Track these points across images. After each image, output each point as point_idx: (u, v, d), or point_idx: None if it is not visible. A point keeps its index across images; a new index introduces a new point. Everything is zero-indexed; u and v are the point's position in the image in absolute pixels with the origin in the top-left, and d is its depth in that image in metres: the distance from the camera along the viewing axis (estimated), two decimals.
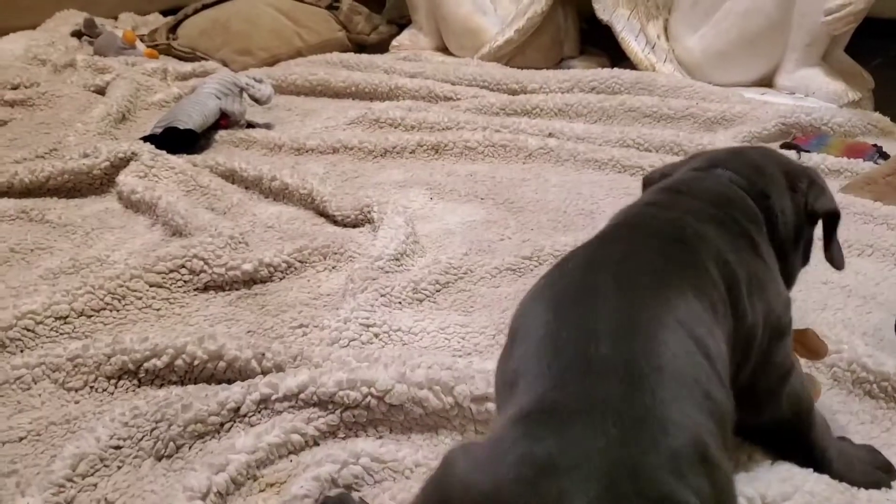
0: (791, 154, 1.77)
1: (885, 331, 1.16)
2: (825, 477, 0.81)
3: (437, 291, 1.29)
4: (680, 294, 0.70)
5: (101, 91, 2.28)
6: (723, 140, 1.85)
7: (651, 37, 2.37)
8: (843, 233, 1.44)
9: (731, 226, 0.82)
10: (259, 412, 0.95)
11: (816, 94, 2.16)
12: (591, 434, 0.57)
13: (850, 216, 1.53)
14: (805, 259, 0.94)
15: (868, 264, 1.37)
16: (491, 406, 0.94)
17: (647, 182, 0.97)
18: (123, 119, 2.08)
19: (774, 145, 1.86)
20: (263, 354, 1.03)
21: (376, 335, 1.17)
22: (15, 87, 2.27)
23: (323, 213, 1.55)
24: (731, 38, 2.25)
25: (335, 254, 1.37)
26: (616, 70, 2.28)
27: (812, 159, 1.75)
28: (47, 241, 1.45)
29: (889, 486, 0.85)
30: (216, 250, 1.29)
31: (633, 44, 2.36)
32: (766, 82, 2.27)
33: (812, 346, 0.97)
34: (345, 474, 0.87)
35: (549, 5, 2.40)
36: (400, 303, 1.24)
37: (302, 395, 0.96)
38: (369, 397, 0.95)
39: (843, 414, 0.98)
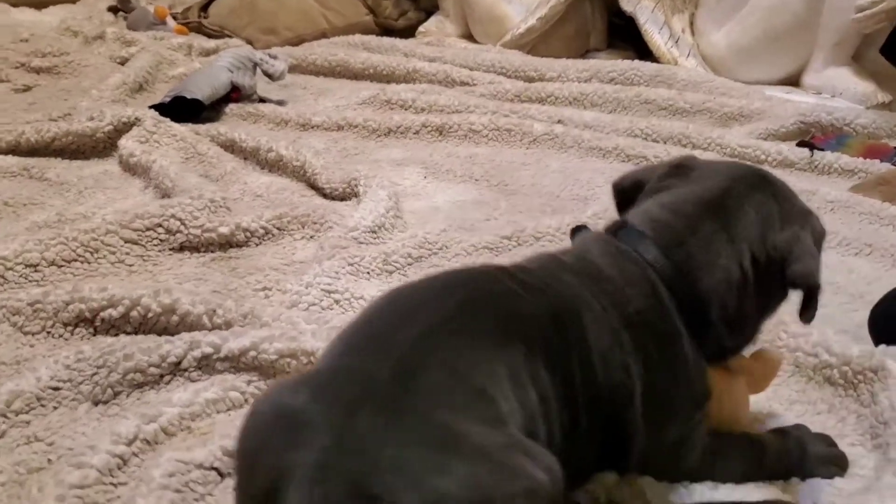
0: (804, 152, 1.72)
1: (865, 329, 1.11)
2: None
3: (409, 265, 1.27)
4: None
5: (125, 63, 2.31)
6: (736, 136, 1.81)
7: (675, 30, 2.33)
8: (845, 231, 1.40)
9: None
10: (199, 368, 0.94)
11: (844, 94, 2.09)
12: (339, 405, 0.57)
13: (855, 215, 1.48)
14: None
15: (864, 263, 1.32)
16: None
17: (616, 189, 0.86)
18: (140, 89, 2.10)
19: (791, 144, 1.81)
20: (215, 311, 1.02)
21: (337, 301, 1.16)
22: (44, 56, 2.32)
23: (314, 186, 1.55)
24: (757, 35, 2.20)
25: (314, 223, 1.37)
26: (637, 62, 2.24)
27: (825, 157, 1.70)
28: (41, 197, 1.48)
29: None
30: (194, 212, 1.30)
31: (656, 36, 2.32)
32: (793, 81, 2.21)
33: (760, 373, 0.88)
34: None
35: None
36: (368, 273, 1.23)
37: (243, 359, 0.95)
38: (310, 366, 0.94)
39: (801, 404, 0.94)
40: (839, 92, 2.09)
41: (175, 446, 0.80)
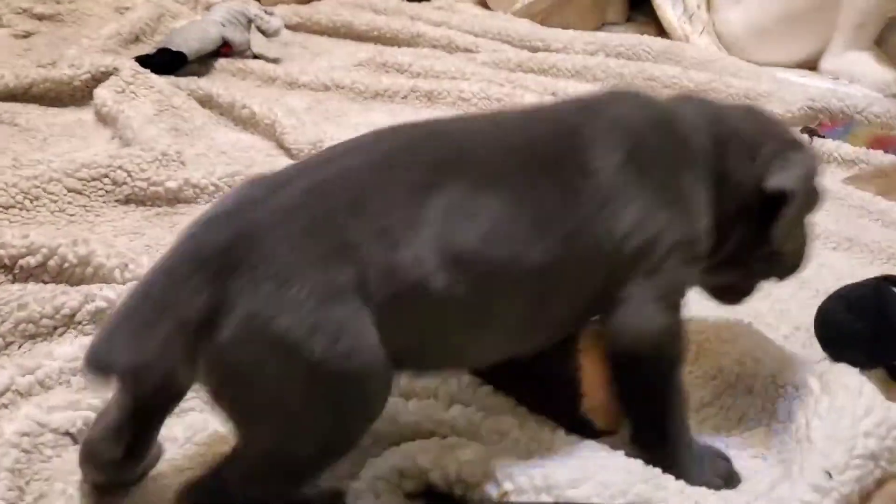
0: (804, 138, 1.62)
1: None
2: (630, 463, 0.72)
3: None
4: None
5: None
6: None
7: (690, 5, 2.22)
8: (828, 223, 1.32)
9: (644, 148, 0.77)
10: (94, 323, 0.91)
11: (862, 80, 1.97)
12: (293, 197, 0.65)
13: (843, 208, 1.41)
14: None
15: (838, 258, 1.25)
16: None
17: None
18: (136, 40, 2.06)
19: (795, 130, 1.72)
20: (126, 265, 1.00)
21: None
22: (46, 2, 2.31)
23: (282, 146, 1.51)
24: (775, 14, 2.09)
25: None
26: (646, 37, 2.15)
27: (825, 145, 1.61)
28: (5, 142, 1.46)
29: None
30: (142, 164, 1.27)
31: (668, 11, 2.22)
32: (811, 65, 2.10)
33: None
34: None
35: None
36: None
37: None
38: None
39: (713, 407, 0.88)
40: (857, 78, 1.98)
41: (41, 403, 0.77)
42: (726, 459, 0.79)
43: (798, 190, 0.81)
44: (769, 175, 0.81)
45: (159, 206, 1.26)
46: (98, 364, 0.62)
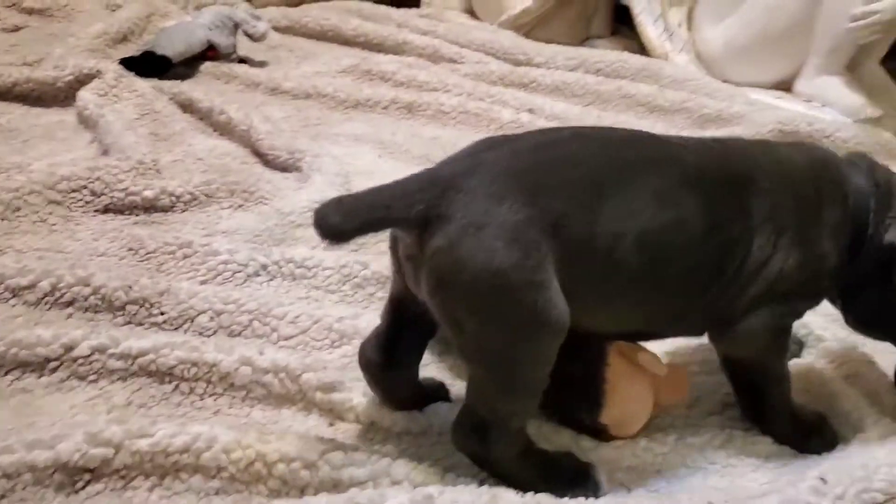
0: None
1: None
2: None
3: (353, 251, 1.26)
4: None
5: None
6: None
7: (670, 24, 2.26)
8: None
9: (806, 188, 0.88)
10: (90, 363, 0.95)
11: (833, 105, 2.01)
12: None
13: None
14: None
15: None
16: (337, 397, 0.93)
17: None
18: (124, 40, 2.10)
19: None
20: (131, 287, 1.04)
21: (264, 266, 1.17)
22: None
23: (258, 153, 1.55)
24: (753, 34, 2.12)
25: (244, 192, 1.37)
26: (625, 54, 2.19)
27: None
28: None
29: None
30: (119, 174, 1.31)
31: (649, 28, 2.25)
32: (786, 86, 2.14)
33: (672, 385, 0.95)
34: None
35: None
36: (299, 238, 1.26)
37: (140, 360, 0.96)
38: (212, 375, 0.95)
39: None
40: (829, 102, 2.02)
41: None
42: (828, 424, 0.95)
43: None
44: (889, 231, 0.89)
45: (137, 215, 1.29)
46: (319, 216, 0.75)
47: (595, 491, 0.84)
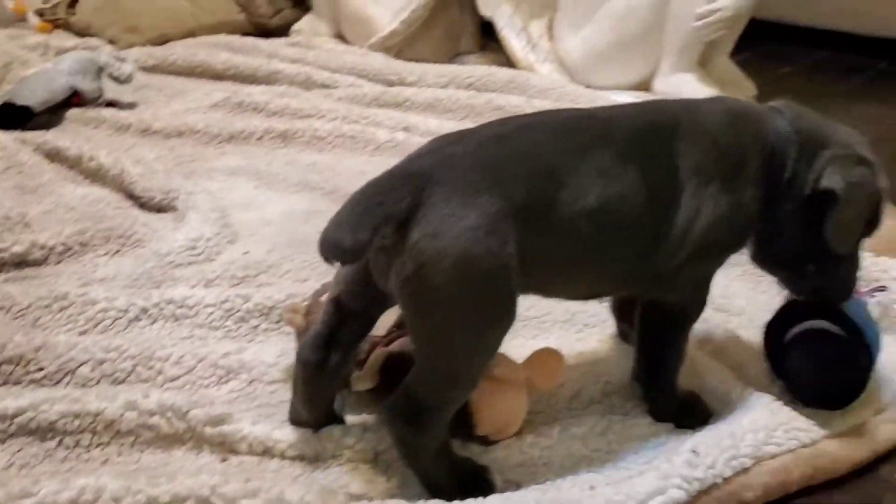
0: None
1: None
2: None
3: (234, 286, 1.27)
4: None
5: None
6: None
7: (533, 36, 2.35)
8: None
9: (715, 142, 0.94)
10: None
11: None
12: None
13: None
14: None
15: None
16: (227, 429, 0.94)
17: None
18: None
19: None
20: (4, 346, 1.01)
21: (145, 310, 1.16)
22: None
23: (132, 196, 1.53)
24: (610, 41, 2.23)
25: (120, 237, 1.36)
26: (493, 68, 2.27)
27: None
28: None
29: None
30: None
31: (513, 41, 2.34)
32: (645, 86, 2.25)
33: (546, 372, 0.99)
34: None
35: None
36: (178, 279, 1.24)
37: (18, 419, 0.93)
38: (97, 424, 0.94)
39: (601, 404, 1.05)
40: (684, 97, 2.14)
41: None
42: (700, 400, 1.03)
43: (842, 191, 0.93)
44: (823, 177, 0.95)
45: (8, 272, 1.26)
46: (329, 245, 0.78)
47: (490, 492, 0.88)
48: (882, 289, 1.24)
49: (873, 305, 1.20)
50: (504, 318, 0.84)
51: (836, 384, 1.03)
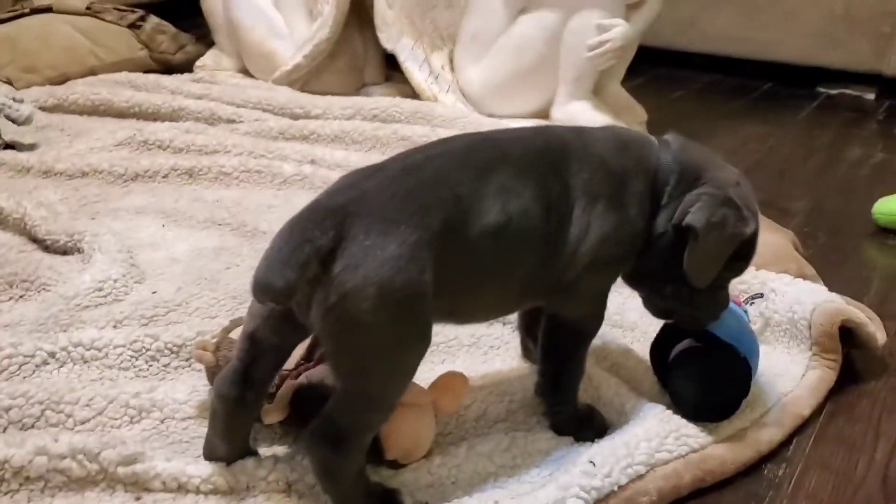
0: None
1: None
2: None
3: (143, 325, 1.27)
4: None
5: None
6: None
7: (435, 67, 2.42)
8: None
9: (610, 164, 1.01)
10: None
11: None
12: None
13: None
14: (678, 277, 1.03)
15: None
16: (140, 467, 0.94)
17: None
18: None
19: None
20: None
21: (52, 354, 1.15)
22: None
23: (35, 239, 1.51)
24: (507, 72, 2.32)
25: (24, 282, 1.35)
26: (398, 99, 2.32)
27: None
28: None
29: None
30: None
31: (416, 73, 2.40)
32: (543, 115, 2.34)
33: (452, 395, 1.04)
34: None
35: (336, 32, 2.41)
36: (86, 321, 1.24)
37: None
38: (4, 472, 0.92)
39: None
40: (581, 124, 2.24)
41: None
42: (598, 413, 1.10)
43: (701, 229, 0.99)
44: (689, 212, 1.01)
45: None
46: (262, 287, 0.80)
47: None
48: (759, 296, 1.32)
49: (753, 315, 1.30)
50: (422, 343, 0.88)
51: (717, 399, 1.10)
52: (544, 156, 0.99)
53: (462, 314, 1.01)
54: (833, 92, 3.19)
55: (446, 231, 0.88)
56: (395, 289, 0.82)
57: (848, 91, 3.19)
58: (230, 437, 0.96)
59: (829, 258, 1.70)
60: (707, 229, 0.99)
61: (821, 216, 1.95)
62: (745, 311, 1.22)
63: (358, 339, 0.84)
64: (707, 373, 1.10)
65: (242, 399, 0.93)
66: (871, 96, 3.14)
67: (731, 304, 1.14)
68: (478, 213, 0.91)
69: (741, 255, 1.05)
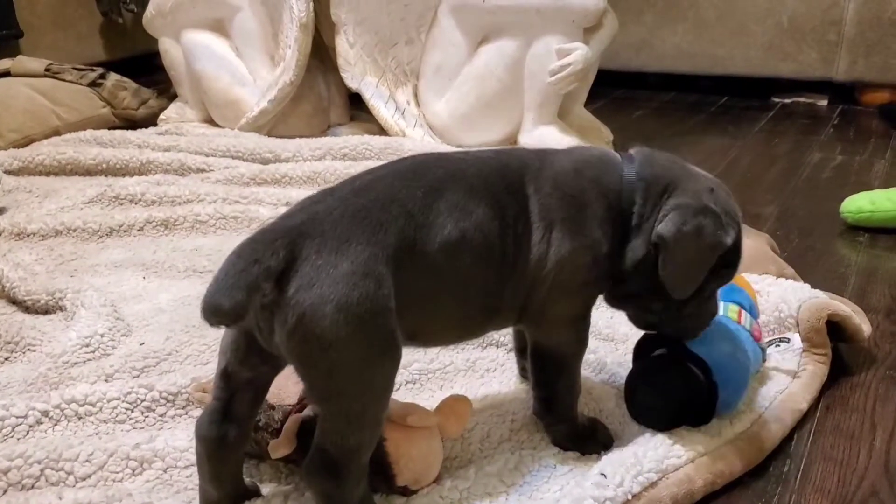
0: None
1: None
2: None
3: (135, 377, 1.25)
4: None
5: None
6: None
7: (401, 103, 2.44)
8: None
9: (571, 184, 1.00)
10: None
11: None
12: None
13: None
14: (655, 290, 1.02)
15: None
16: None
17: None
18: None
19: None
20: None
21: (45, 413, 1.13)
22: None
23: (14, 301, 1.49)
24: (472, 102, 2.35)
25: (8, 343, 1.33)
26: (367, 136, 2.34)
27: None
28: None
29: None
30: None
31: (382, 110, 2.42)
32: (512, 142, 2.37)
33: (457, 418, 1.04)
34: None
35: (300, 76, 2.43)
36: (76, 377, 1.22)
37: None
38: None
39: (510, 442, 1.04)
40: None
41: None
42: (601, 426, 1.10)
43: (671, 239, 0.98)
44: (662, 222, 1.00)
45: None
46: (210, 309, 0.79)
47: None
48: (785, 340, 1.29)
49: (774, 359, 1.26)
50: (388, 357, 0.87)
51: (656, 405, 1.09)
52: (501, 176, 0.98)
53: (424, 336, 0.98)
54: (787, 101, 3.28)
55: (402, 248, 0.88)
56: (352, 304, 0.82)
57: (801, 99, 3.28)
58: (220, 481, 0.94)
59: (804, 258, 1.74)
60: (677, 240, 0.98)
61: (791, 219, 2.00)
62: (763, 350, 1.22)
63: (323, 358, 0.83)
64: (656, 381, 1.09)
65: (224, 438, 0.91)
66: (823, 103, 3.23)
67: (736, 330, 1.14)
68: (431, 228, 0.91)
69: (727, 262, 1.02)
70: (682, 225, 0.98)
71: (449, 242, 0.91)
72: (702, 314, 1.07)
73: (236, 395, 0.91)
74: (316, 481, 0.88)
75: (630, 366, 1.18)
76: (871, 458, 1.11)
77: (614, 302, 1.09)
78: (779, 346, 1.28)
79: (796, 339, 1.27)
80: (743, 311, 1.21)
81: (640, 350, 1.15)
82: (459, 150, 1.10)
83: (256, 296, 0.81)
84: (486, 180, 0.97)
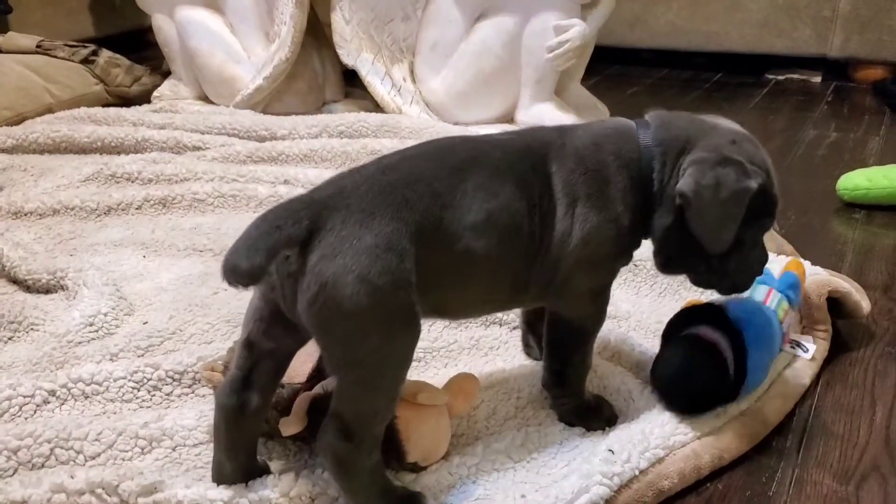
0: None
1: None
2: None
3: (140, 357, 1.26)
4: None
5: None
6: None
7: (397, 79, 2.43)
8: None
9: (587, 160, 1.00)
10: None
11: None
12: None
13: None
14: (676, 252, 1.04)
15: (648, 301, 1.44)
16: (161, 496, 0.93)
17: None
18: None
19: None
20: None
21: (52, 392, 1.13)
22: None
23: (15, 281, 1.49)
24: (469, 79, 2.34)
25: (11, 323, 1.32)
26: (363, 114, 2.33)
27: None
28: None
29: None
30: None
31: (378, 87, 2.41)
32: (508, 119, 2.37)
33: (464, 397, 1.05)
34: None
35: (295, 52, 2.41)
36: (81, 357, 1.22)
37: None
38: None
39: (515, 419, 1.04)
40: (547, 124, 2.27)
41: None
42: (606, 403, 1.11)
43: (692, 194, 0.98)
44: (681, 178, 1.00)
45: None
46: (228, 268, 0.80)
47: None
48: (803, 347, 1.28)
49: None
50: (408, 330, 0.88)
51: (683, 386, 1.10)
52: (525, 156, 0.99)
53: (452, 311, 1.02)
54: (781, 78, 3.29)
55: (427, 225, 0.89)
56: (373, 276, 0.83)
57: (795, 76, 3.29)
58: (235, 452, 0.95)
59: (801, 236, 1.75)
60: (697, 193, 0.98)
61: (788, 196, 1.98)
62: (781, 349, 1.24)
63: (342, 327, 0.84)
64: (682, 361, 1.10)
65: (244, 406, 0.92)
66: (817, 79, 3.24)
67: (771, 314, 1.16)
68: (457, 209, 0.92)
69: (761, 210, 1.01)
70: (700, 178, 0.98)
71: (476, 223, 0.92)
72: (750, 265, 1.06)
73: (258, 364, 0.92)
74: (330, 446, 0.89)
75: (634, 344, 1.19)
76: (872, 433, 1.13)
77: (664, 269, 1.08)
78: (794, 348, 1.28)
79: (812, 348, 1.27)
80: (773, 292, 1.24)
81: (672, 329, 1.16)
82: (487, 133, 1.10)
83: (275, 260, 0.82)
84: (511, 161, 0.98)
